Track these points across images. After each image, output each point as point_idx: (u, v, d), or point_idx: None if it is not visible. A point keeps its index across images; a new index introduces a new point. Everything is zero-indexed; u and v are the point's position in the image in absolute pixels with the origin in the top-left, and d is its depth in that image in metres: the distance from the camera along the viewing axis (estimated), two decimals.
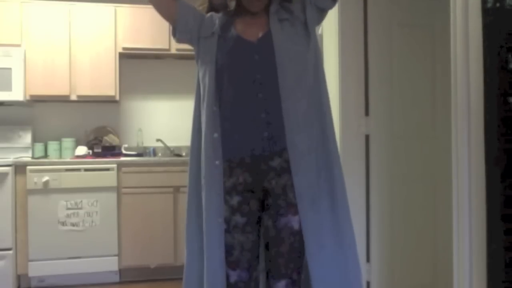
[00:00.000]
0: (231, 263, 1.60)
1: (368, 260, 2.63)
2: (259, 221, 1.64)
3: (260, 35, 1.61)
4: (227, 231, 1.59)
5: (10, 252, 3.51)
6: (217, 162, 1.57)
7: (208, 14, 1.71)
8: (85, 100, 4.06)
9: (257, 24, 1.65)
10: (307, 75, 1.60)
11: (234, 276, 1.60)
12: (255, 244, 1.62)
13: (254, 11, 1.64)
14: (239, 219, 1.59)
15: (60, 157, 4.02)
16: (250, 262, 1.61)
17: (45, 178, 3.55)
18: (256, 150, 1.57)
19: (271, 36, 1.59)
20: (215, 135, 1.58)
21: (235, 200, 1.60)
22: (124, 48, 4.05)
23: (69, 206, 3.60)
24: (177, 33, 1.67)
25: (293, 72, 1.57)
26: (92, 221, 3.63)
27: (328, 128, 1.63)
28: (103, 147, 4.01)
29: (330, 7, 1.67)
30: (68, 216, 3.60)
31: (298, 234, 1.57)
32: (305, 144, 1.56)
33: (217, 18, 1.68)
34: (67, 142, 4.05)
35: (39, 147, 4.04)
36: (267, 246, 1.62)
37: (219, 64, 1.59)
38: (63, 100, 4.02)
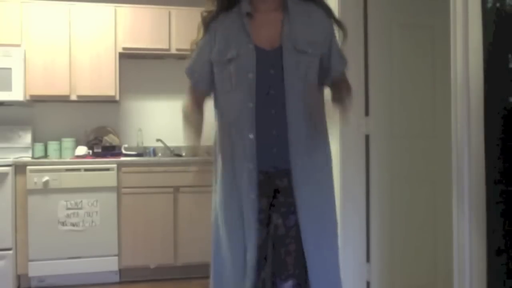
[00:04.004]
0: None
1: (368, 260, 2.63)
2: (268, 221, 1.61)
3: (276, 43, 1.57)
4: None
5: (10, 252, 3.51)
6: (251, 166, 1.55)
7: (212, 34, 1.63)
8: (85, 100, 4.06)
9: (272, 21, 1.60)
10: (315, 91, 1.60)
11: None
12: (264, 243, 1.59)
13: None
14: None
15: (60, 157, 4.02)
16: (259, 261, 1.57)
17: (45, 178, 3.55)
18: (264, 166, 1.56)
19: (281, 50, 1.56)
20: (251, 136, 1.55)
21: None
22: (124, 48, 4.05)
23: (69, 206, 3.60)
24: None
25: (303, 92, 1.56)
26: (92, 221, 3.63)
27: (326, 148, 1.65)
28: (103, 147, 4.01)
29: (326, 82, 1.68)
30: (68, 216, 3.59)
31: None
32: (305, 170, 1.55)
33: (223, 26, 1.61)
34: (67, 142, 4.05)
35: (39, 147, 4.04)
36: (274, 246, 1.58)
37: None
38: (63, 100, 4.02)
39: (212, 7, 1.64)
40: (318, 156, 1.61)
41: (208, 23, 1.63)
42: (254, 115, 1.53)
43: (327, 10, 1.66)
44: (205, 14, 1.64)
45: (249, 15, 1.59)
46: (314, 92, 1.61)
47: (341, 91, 1.64)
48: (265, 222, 1.59)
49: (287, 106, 1.53)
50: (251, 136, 1.53)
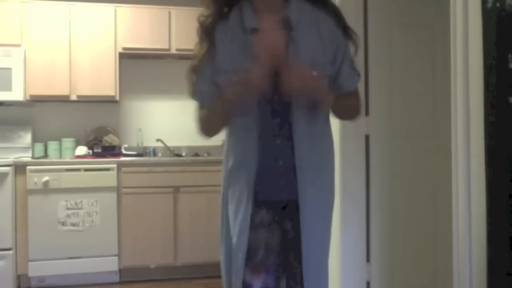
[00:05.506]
0: (255, 266, 1.44)
1: (368, 260, 2.63)
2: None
3: (280, 66, 1.43)
4: (251, 228, 1.44)
5: (10, 252, 3.51)
6: (250, 194, 1.46)
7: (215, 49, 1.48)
8: (85, 100, 4.07)
9: (277, 36, 1.46)
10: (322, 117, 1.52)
11: (258, 283, 1.43)
12: (282, 247, 1.50)
13: None
14: (264, 214, 1.48)
15: (60, 157, 4.02)
16: (277, 266, 1.47)
17: (45, 178, 3.55)
18: (273, 196, 1.48)
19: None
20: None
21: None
22: (124, 48, 4.05)
23: (69, 206, 3.60)
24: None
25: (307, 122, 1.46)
26: (92, 221, 3.63)
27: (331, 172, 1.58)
28: (103, 147, 4.01)
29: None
30: (68, 216, 3.59)
31: None
32: (312, 199, 1.47)
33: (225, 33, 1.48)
34: (67, 142, 4.05)
35: (39, 147, 4.04)
36: (283, 250, 1.50)
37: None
38: (63, 100, 4.02)
39: (209, 11, 1.49)
40: (325, 183, 1.54)
41: (207, 30, 1.48)
42: (257, 144, 1.45)
43: (338, 18, 1.56)
44: (202, 19, 1.49)
45: (254, 31, 1.45)
46: (320, 116, 1.51)
47: (348, 102, 1.57)
48: (279, 223, 1.51)
49: (294, 135, 1.45)
50: (253, 166, 1.45)
